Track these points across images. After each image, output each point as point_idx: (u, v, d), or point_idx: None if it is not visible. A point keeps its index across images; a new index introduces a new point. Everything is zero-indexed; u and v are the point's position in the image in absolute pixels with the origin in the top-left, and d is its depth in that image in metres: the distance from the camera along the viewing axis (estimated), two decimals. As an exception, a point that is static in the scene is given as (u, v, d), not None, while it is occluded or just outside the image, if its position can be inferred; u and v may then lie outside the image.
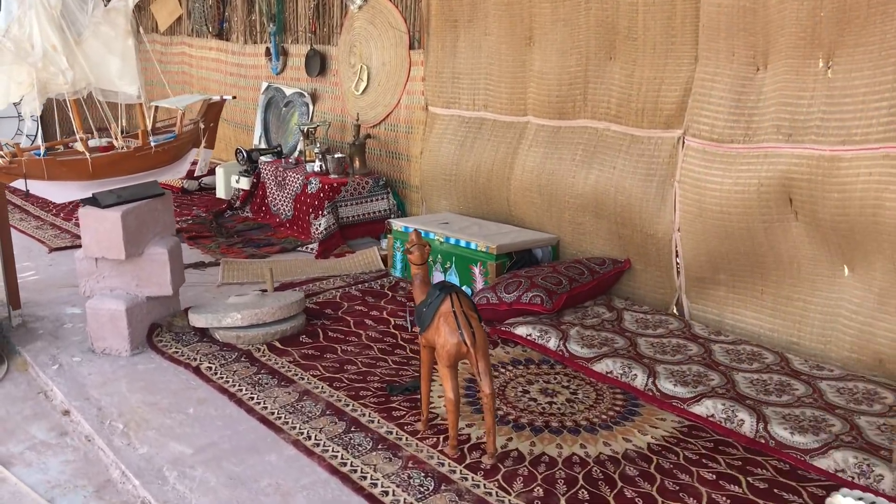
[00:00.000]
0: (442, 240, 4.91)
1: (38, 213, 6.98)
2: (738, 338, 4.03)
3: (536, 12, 4.95)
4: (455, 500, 2.78)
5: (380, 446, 3.14)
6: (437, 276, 4.96)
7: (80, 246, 4.16)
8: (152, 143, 4.99)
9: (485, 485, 2.86)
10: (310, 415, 3.40)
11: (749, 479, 2.90)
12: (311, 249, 5.87)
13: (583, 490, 2.84)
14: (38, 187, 4.57)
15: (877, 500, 2.55)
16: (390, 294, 4.94)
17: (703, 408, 3.31)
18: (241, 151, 7.02)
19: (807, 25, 3.64)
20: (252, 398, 3.56)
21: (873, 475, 2.78)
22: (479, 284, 4.70)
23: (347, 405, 3.48)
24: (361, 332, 4.33)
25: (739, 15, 3.92)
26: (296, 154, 6.91)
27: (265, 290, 4.64)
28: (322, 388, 3.65)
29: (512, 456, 3.06)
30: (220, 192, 7.42)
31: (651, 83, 4.38)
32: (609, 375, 3.66)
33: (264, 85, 7.76)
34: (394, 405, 3.48)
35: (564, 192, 4.83)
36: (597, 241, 4.79)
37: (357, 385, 3.68)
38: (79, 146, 4.59)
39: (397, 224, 5.28)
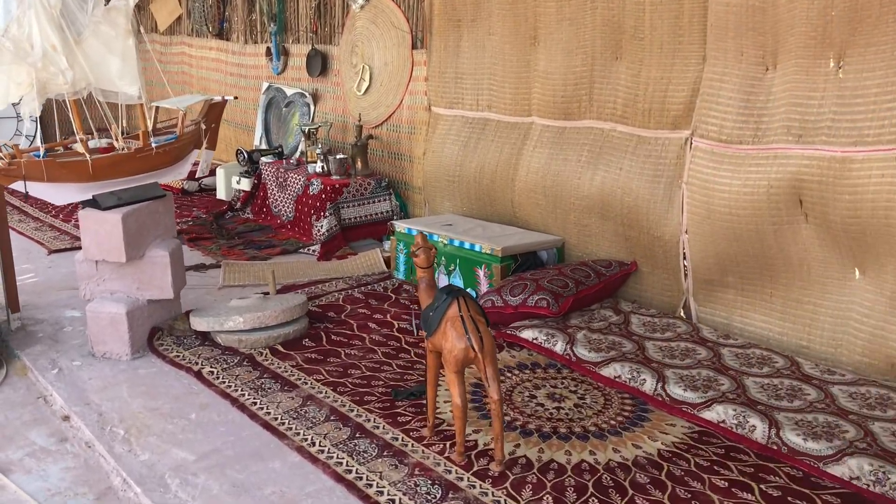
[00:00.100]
0: (446, 242, 4.86)
1: (37, 215, 6.92)
2: (748, 341, 3.98)
3: (541, 11, 4.90)
4: (463, 509, 2.73)
5: (385, 453, 3.08)
6: (441, 279, 4.90)
7: (79, 248, 4.11)
8: (153, 144, 4.94)
9: (493, 493, 2.81)
10: (314, 420, 3.35)
11: (762, 486, 2.84)
12: (313, 251, 5.82)
13: (593, 498, 2.78)
14: (38, 189, 4.51)
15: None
16: (393, 297, 4.89)
17: (714, 413, 3.26)
18: (241, 152, 6.97)
19: (817, 25, 3.59)
20: (255, 403, 3.50)
21: (889, 483, 2.73)
22: (484, 287, 4.65)
23: (352, 410, 3.43)
24: (365, 335, 4.28)
25: (748, 14, 3.87)
26: (297, 155, 6.86)
27: (267, 293, 4.58)
28: (326, 392, 3.60)
29: (520, 463, 3.00)
30: (221, 194, 7.36)
31: (658, 83, 4.33)
32: (617, 380, 3.61)
33: (265, 85, 7.70)
34: (399, 410, 3.43)
35: (570, 193, 4.78)
36: (603, 243, 4.73)
37: (361, 390, 3.62)
38: (79, 147, 4.54)
39: (400, 226, 5.23)
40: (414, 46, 6.00)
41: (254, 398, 3.55)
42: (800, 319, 3.90)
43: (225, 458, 3.11)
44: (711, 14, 4.03)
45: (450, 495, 2.80)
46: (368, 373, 3.81)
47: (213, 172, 7.51)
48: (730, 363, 3.71)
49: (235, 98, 7.10)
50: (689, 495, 2.80)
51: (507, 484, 2.86)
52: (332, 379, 3.74)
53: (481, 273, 4.68)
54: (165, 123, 5.53)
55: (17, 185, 4.48)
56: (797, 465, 2.95)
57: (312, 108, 7.12)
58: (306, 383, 3.69)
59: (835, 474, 2.85)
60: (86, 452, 3.28)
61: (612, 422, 3.31)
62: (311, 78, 7.15)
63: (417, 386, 3.62)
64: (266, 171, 6.72)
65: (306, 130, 6.53)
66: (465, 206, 5.60)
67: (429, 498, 2.78)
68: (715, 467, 2.97)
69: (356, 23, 6.50)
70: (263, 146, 7.60)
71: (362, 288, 5.05)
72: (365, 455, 3.07)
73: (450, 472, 2.95)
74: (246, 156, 6.93)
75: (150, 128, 4.81)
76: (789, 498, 2.77)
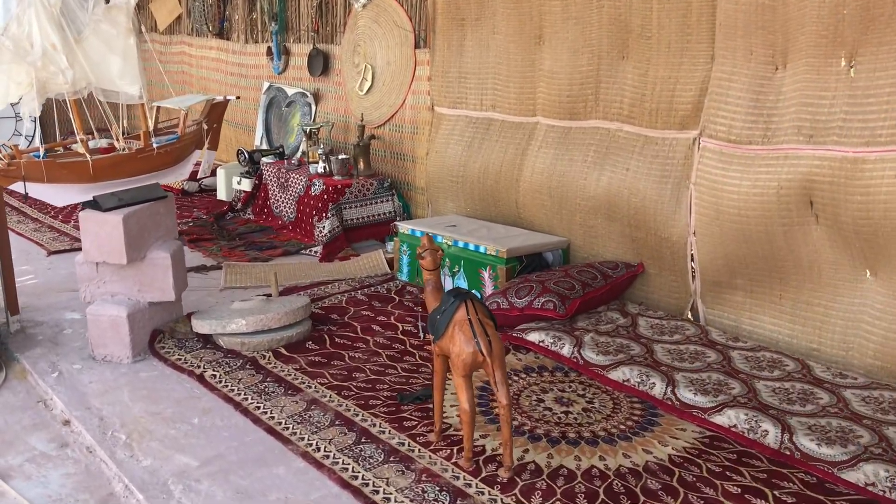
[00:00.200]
0: (450, 243, 4.80)
1: (36, 216, 6.86)
2: (757, 344, 3.93)
3: (546, 10, 4.85)
4: (472, 516, 2.68)
5: (392, 458, 3.03)
6: (445, 281, 4.85)
7: (79, 249, 4.06)
8: (154, 145, 4.88)
9: (502, 499, 2.76)
10: (318, 425, 3.29)
11: (776, 492, 2.79)
12: (315, 252, 5.77)
13: (604, 505, 2.74)
14: (38, 190, 4.45)
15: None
16: (397, 298, 4.84)
17: (725, 418, 3.21)
18: (242, 152, 6.91)
19: (829, 23, 3.54)
20: (258, 408, 3.45)
21: (906, 489, 2.68)
22: (489, 289, 4.59)
23: (357, 415, 3.38)
24: (369, 337, 4.23)
25: (758, 12, 3.82)
26: (298, 155, 6.80)
27: (269, 295, 4.53)
28: (330, 396, 3.55)
29: (529, 469, 2.95)
30: (221, 194, 7.31)
31: (665, 83, 4.28)
32: (626, 384, 3.56)
33: (266, 85, 7.65)
34: (405, 415, 3.38)
35: (575, 194, 4.73)
36: (609, 245, 4.68)
37: (366, 394, 3.57)
38: (79, 147, 4.48)
39: (404, 227, 5.18)
40: (417, 46, 5.95)
41: (257, 402, 3.50)
42: (810, 322, 3.85)
43: (228, 463, 3.06)
44: (720, 12, 3.98)
45: (458, 502, 2.75)
46: (373, 376, 3.76)
47: (213, 173, 7.45)
48: (740, 366, 3.66)
49: (238, 98, 7.04)
50: (703, 502, 2.75)
51: (517, 490, 2.81)
52: (336, 382, 3.69)
53: (486, 275, 4.63)
54: (166, 123, 5.47)
55: (17, 186, 4.42)
56: (811, 470, 2.90)
57: (314, 107, 7.06)
58: (310, 387, 3.64)
59: (850, 480, 2.80)
60: (87, 458, 3.23)
61: (622, 426, 3.26)
62: (313, 77, 7.10)
63: (423, 390, 3.57)
64: (267, 171, 6.67)
65: (308, 130, 6.48)
66: (468, 207, 5.55)
67: (437, 505, 2.73)
68: (727, 473, 2.92)
69: (358, 22, 6.45)
70: (264, 146, 7.54)
71: (365, 290, 5.00)
72: (371, 460, 3.02)
73: (458, 478, 2.90)
74: (247, 156, 6.88)
75: (151, 128, 4.75)
76: (804, 505, 2.73)
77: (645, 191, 4.36)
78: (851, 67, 3.51)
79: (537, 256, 4.74)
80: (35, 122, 8.21)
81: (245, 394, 3.58)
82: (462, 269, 4.77)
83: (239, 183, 6.93)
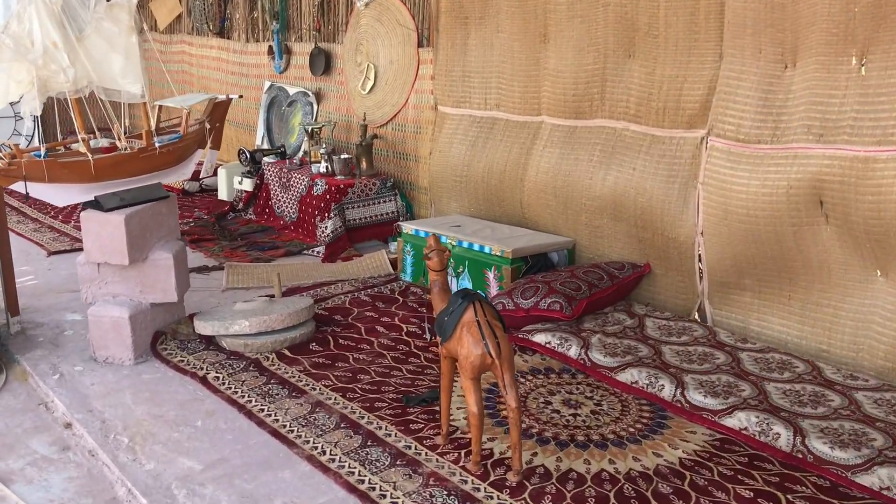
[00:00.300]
0: (454, 243, 4.76)
1: (36, 216, 6.82)
2: (766, 345, 3.89)
3: (551, 8, 4.80)
4: (481, 521, 2.64)
5: (398, 462, 2.99)
6: (450, 282, 4.81)
7: (79, 249, 4.02)
8: (156, 144, 4.83)
9: (512, 504, 2.72)
10: (324, 428, 3.25)
11: (789, 496, 2.76)
12: (318, 253, 5.72)
13: (615, 510, 2.69)
14: (39, 190, 4.40)
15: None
16: (401, 299, 4.79)
17: (736, 420, 3.16)
18: (243, 152, 6.87)
19: (839, 21, 3.50)
20: (262, 410, 3.41)
21: (922, 494, 2.64)
22: (494, 290, 4.55)
23: (362, 417, 3.33)
24: (373, 339, 4.18)
25: (767, 10, 3.78)
26: (300, 155, 6.76)
27: (272, 296, 4.48)
28: (335, 399, 3.50)
29: (538, 472, 2.91)
30: (222, 194, 7.26)
31: (673, 81, 4.24)
32: (634, 386, 3.52)
33: (267, 84, 7.60)
34: (411, 417, 3.33)
35: (581, 193, 4.69)
36: (615, 245, 4.64)
37: (371, 396, 3.53)
38: (79, 147, 4.43)
39: (407, 227, 5.13)
40: (420, 44, 5.91)
41: (261, 405, 3.45)
42: (819, 323, 3.81)
43: (233, 467, 3.01)
44: (729, 11, 3.94)
45: (467, 507, 2.71)
46: (378, 378, 3.72)
47: (214, 172, 7.40)
48: (749, 368, 3.62)
49: (240, 97, 6.99)
50: (715, 506, 2.71)
51: (526, 494, 2.77)
52: (340, 384, 3.64)
53: (491, 275, 4.59)
54: (168, 123, 5.42)
55: (17, 186, 4.37)
56: (824, 474, 2.86)
57: (315, 107, 7.02)
58: (315, 389, 3.60)
59: (864, 484, 2.76)
60: (89, 461, 3.18)
61: (631, 429, 3.22)
62: (315, 77, 7.05)
63: (429, 392, 3.53)
64: (269, 171, 6.62)
65: (310, 130, 6.44)
66: (472, 207, 5.51)
67: (445, 510, 2.69)
68: (739, 476, 2.88)
69: (360, 20, 6.40)
70: (265, 146, 7.50)
71: (369, 290, 4.96)
72: (377, 464, 2.97)
73: (466, 482, 2.86)
74: (248, 156, 6.83)
75: (153, 127, 4.70)
76: (818, 509, 2.69)
77: (652, 190, 4.32)
78: (862, 66, 3.47)
79: (542, 257, 4.70)
80: (35, 121, 8.17)
81: (249, 396, 3.54)
82: (466, 270, 4.73)
83: (240, 183, 6.89)
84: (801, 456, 2.94)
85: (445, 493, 2.78)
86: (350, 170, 6.01)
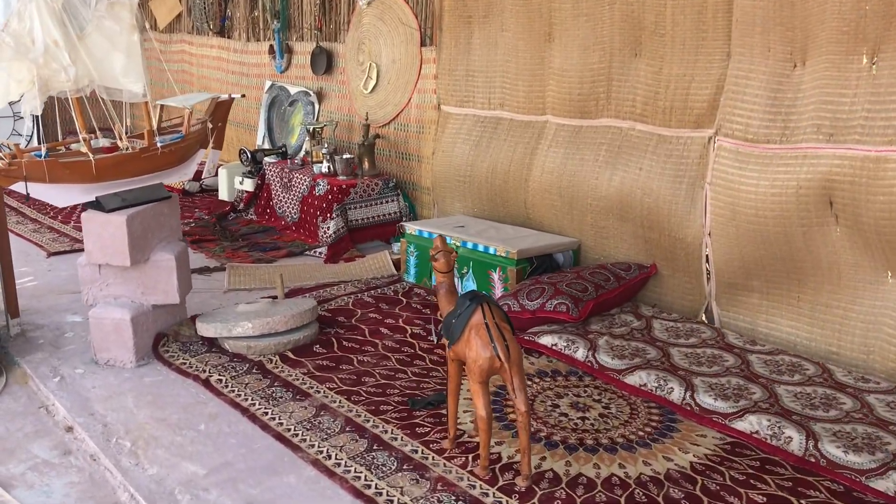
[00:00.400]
0: (458, 244, 4.71)
1: (35, 216, 6.77)
2: (775, 347, 3.85)
3: (556, 7, 4.76)
4: (491, 528, 2.59)
5: (405, 466, 2.94)
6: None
7: (79, 250, 3.96)
8: (158, 144, 4.78)
9: (521, 510, 2.68)
10: (329, 431, 3.20)
11: (802, 501, 2.71)
12: (320, 253, 5.68)
13: (627, 515, 2.65)
14: (39, 190, 4.35)
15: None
16: (405, 301, 4.75)
17: (747, 424, 3.12)
18: (244, 152, 6.82)
19: (850, 19, 3.45)
20: (266, 413, 3.36)
21: (938, 499, 2.60)
22: (499, 291, 4.51)
23: (368, 421, 3.29)
24: (377, 341, 4.14)
25: (776, 9, 3.74)
26: (301, 154, 6.71)
27: (275, 297, 4.44)
28: (340, 402, 3.46)
29: (547, 477, 2.87)
30: (223, 194, 7.22)
31: (680, 81, 4.19)
32: (643, 388, 3.47)
33: (268, 83, 7.55)
34: (417, 421, 3.29)
35: (587, 194, 4.64)
36: (621, 245, 4.60)
37: (377, 399, 3.48)
38: (82, 147, 4.38)
39: (411, 227, 5.09)
40: (423, 43, 5.86)
41: (265, 408, 3.41)
42: (829, 325, 3.76)
43: (237, 471, 2.97)
44: (737, 9, 3.90)
45: (476, 512, 2.67)
46: (383, 381, 3.67)
47: (215, 173, 7.36)
48: (759, 370, 3.57)
49: (243, 96, 6.94)
50: (728, 512, 2.67)
51: (535, 499, 2.73)
52: (345, 387, 3.60)
53: (496, 276, 4.55)
54: (170, 122, 5.37)
55: (18, 187, 4.32)
56: (838, 478, 2.81)
57: (317, 106, 6.97)
58: (319, 392, 3.55)
59: (878, 489, 2.72)
60: (91, 466, 3.13)
61: (640, 433, 3.18)
62: (316, 76, 7.00)
63: (435, 395, 3.48)
64: (270, 171, 6.58)
65: (311, 129, 6.39)
66: (476, 207, 5.46)
67: (454, 515, 2.65)
68: (751, 481, 2.83)
69: (363, 19, 6.36)
70: (266, 146, 7.45)
71: (372, 291, 4.91)
72: (384, 469, 2.93)
73: (474, 486, 2.81)
74: (249, 156, 6.79)
75: (155, 127, 4.66)
76: (832, 514, 2.65)
77: (658, 190, 4.28)
78: (874, 64, 3.42)
79: (548, 258, 4.66)
80: (35, 121, 8.12)
81: (252, 399, 3.49)
82: (471, 271, 4.68)
83: (241, 183, 6.84)
84: (813, 460, 2.90)
85: (453, 498, 2.74)
86: (352, 170, 5.97)
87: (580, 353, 3.76)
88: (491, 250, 4.57)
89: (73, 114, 4.46)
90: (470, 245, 4.67)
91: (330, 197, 5.81)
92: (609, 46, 4.52)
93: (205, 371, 3.76)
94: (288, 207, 6.36)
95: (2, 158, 4.38)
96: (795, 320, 3.89)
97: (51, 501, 2.91)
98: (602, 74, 4.58)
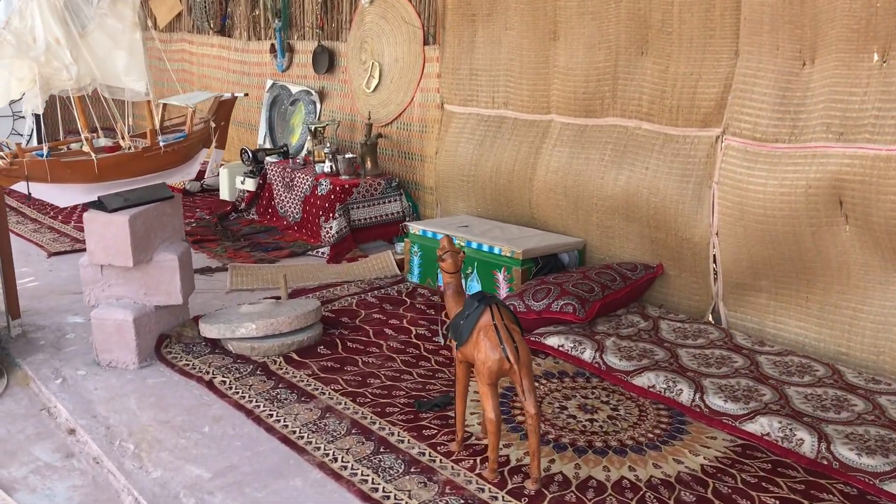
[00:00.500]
0: (463, 244, 4.68)
1: (35, 216, 6.73)
2: (784, 348, 3.81)
3: (562, 5, 4.72)
4: (501, 532, 2.56)
5: (413, 469, 2.91)
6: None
7: (80, 250, 3.92)
8: (161, 143, 4.74)
9: (531, 513, 2.64)
10: (334, 434, 3.17)
11: (816, 505, 2.68)
12: (322, 253, 5.64)
13: (638, 519, 2.62)
14: (41, 190, 4.30)
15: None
16: (409, 301, 4.71)
17: (758, 426, 3.09)
18: (246, 151, 6.78)
19: (861, 17, 3.42)
20: (271, 415, 3.32)
21: (954, 502, 2.57)
22: (504, 291, 4.47)
23: (374, 423, 3.25)
24: (382, 342, 4.10)
25: (785, 6, 3.70)
26: (303, 154, 6.67)
27: (278, 298, 4.40)
28: (345, 403, 3.42)
29: (557, 480, 2.83)
30: (224, 194, 7.18)
31: (687, 79, 4.16)
32: (651, 390, 3.44)
33: (269, 83, 7.51)
34: (423, 423, 3.25)
35: (592, 193, 4.61)
36: (627, 245, 4.56)
37: (382, 400, 3.45)
38: (84, 146, 4.34)
39: (415, 227, 5.05)
40: (426, 42, 5.82)
41: (270, 410, 3.37)
42: (838, 325, 3.73)
43: (242, 475, 2.93)
44: (745, 7, 3.86)
45: (485, 516, 2.63)
46: (388, 382, 3.64)
47: (217, 172, 7.32)
48: (769, 372, 3.54)
49: (246, 95, 6.90)
50: (741, 516, 2.63)
51: (545, 503, 2.69)
52: (350, 389, 3.56)
53: (501, 276, 4.51)
54: (171, 121, 5.33)
55: (19, 186, 4.28)
56: (851, 481, 2.78)
57: (318, 106, 6.93)
58: (324, 393, 3.52)
59: (893, 492, 2.69)
60: (94, 469, 3.10)
61: (650, 435, 3.14)
62: (318, 75, 6.96)
63: (441, 396, 3.45)
64: (272, 170, 6.54)
65: (313, 129, 6.35)
66: (479, 207, 5.42)
67: (463, 519, 2.61)
68: (763, 484, 2.80)
69: (365, 18, 6.32)
70: (268, 145, 7.41)
71: (375, 292, 4.88)
72: (391, 472, 2.89)
73: (482, 490, 2.78)
74: (251, 155, 6.75)
75: (157, 126, 4.62)
76: (847, 518, 2.61)
77: (665, 190, 4.24)
78: (885, 62, 3.39)
79: (553, 258, 4.62)
80: (35, 120, 8.07)
81: (257, 401, 3.45)
82: (475, 271, 4.65)
83: (242, 182, 6.80)
84: (826, 463, 2.87)
85: (462, 501, 2.70)
86: (354, 169, 5.93)
87: (587, 355, 3.72)
88: (496, 250, 4.54)
89: (75, 113, 4.41)
90: (474, 245, 4.64)
91: (332, 197, 5.77)
92: (615, 45, 4.49)
93: (208, 372, 3.72)
94: (290, 207, 6.32)
95: (3, 158, 4.33)
96: (804, 321, 3.86)
97: (54, 505, 2.87)
98: (608, 73, 4.55)
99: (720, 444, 3.07)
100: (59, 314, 4.52)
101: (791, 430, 3.02)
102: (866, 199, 3.45)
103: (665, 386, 3.41)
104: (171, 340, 4.02)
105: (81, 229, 3.87)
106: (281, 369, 3.76)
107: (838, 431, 2.99)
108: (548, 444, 3.06)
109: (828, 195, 3.57)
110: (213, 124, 5.16)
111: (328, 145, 6.13)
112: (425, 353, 3.96)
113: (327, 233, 5.70)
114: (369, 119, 6.11)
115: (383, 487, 2.79)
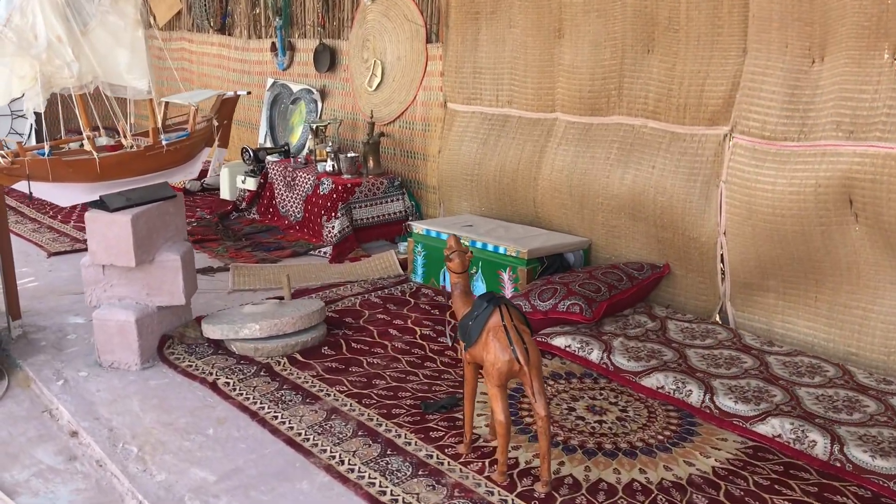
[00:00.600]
0: (467, 243, 4.64)
1: (35, 216, 6.68)
2: (794, 349, 3.78)
3: (567, 3, 4.69)
4: (512, 536, 2.52)
5: (420, 472, 2.87)
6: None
7: (81, 250, 3.87)
8: (164, 142, 4.70)
9: (542, 517, 2.60)
10: (340, 436, 3.13)
11: (829, 508, 2.65)
12: (325, 253, 5.60)
13: (651, 523, 2.58)
14: (42, 189, 4.26)
15: None
16: (413, 301, 4.67)
17: (769, 427, 3.05)
18: (247, 150, 6.74)
19: (871, 14, 3.39)
20: (276, 417, 3.28)
21: (970, 505, 2.53)
22: (509, 291, 4.43)
23: (380, 425, 3.21)
24: (387, 342, 4.06)
25: (794, 3, 3.67)
26: (305, 153, 6.63)
27: (281, 298, 4.36)
28: (351, 405, 3.38)
29: (567, 483, 2.79)
30: (225, 193, 7.14)
31: (694, 77, 4.12)
32: (660, 391, 3.40)
33: (270, 81, 7.47)
34: (430, 425, 3.21)
35: (598, 192, 4.57)
36: (633, 245, 4.53)
37: (388, 402, 3.41)
38: (85, 145, 4.30)
39: (418, 226, 5.01)
40: (429, 40, 5.78)
41: (274, 411, 3.33)
42: (848, 325, 3.70)
43: (248, 477, 2.89)
44: (754, 4, 3.83)
45: (496, 520, 2.59)
46: (394, 383, 3.60)
47: (219, 171, 7.27)
48: (779, 372, 3.50)
49: (249, 93, 6.86)
50: (754, 519, 2.59)
51: (556, 506, 2.66)
52: (356, 390, 3.52)
53: (506, 276, 4.47)
54: (174, 120, 5.28)
55: (20, 186, 4.23)
56: (865, 484, 2.75)
57: (320, 104, 6.89)
58: (329, 395, 3.48)
59: (907, 495, 2.66)
60: (97, 472, 3.05)
61: (660, 436, 3.11)
62: (319, 74, 6.92)
63: (448, 398, 3.41)
64: (273, 170, 6.50)
65: (314, 128, 6.31)
66: (483, 206, 5.39)
67: (473, 523, 2.57)
68: (776, 486, 2.77)
69: (367, 16, 6.28)
70: (269, 144, 7.37)
71: (379, 292, 4.84)
72: (398, 474, 2.85)
73: (492, 493, 2.74)
74: (251, 154, 6.70)
75: (160, 124, 4.57)
76: (862, 521, 2.58)
77: (672, 189, 4.21)
78: (895, 60, 3.35)
79: (558, 257, 4.59)
80: (36, 119, 8.02)
81: (261, 402, 3.41)
82: (480, 271, 4.61)
83: (243, 182, 6.76)
84: (839, 465, 2.83)
85: (472, 505, 2.67)
86: (357, 168, 5.89)
87: (595, 355, 3.69)
88: (501, 250, 4.50)
89: (77, 111, 4.37)
90: (479, 244, 4.60)
91: (335, 196, 5.73)
92: (621, 42, 4.45)
93: (211, 374, 3.69)
94: (291, 206, 6.28)
95: (4, 157, 4.29)
96: (813, 321, 3.82)
97: (56, 509, 2.83)
98: (613, 71, 4.51)
99: (731, 445, 3.04)
100: (60, 315, 4.48)
101: (803, 431, 2.98)
102: (877, 197, 3.41)
103: (674, 387, 3.38)
104: (173, 341, 3.98)
105: (81, 229, 3.83)
106: (285, 370, 3.72)
107: (851, 433, 2.96)
108: (557, 446, 3.03)
109: (837, 194, 3.53)
110: (215, 123, 5.12)
111: (330, 144, 6.09)
112: (431, 354, 3.93)
113: (329, 232, 5.66)
114: (371, 118, 6.07)
115: (391, 490, 2.76)
